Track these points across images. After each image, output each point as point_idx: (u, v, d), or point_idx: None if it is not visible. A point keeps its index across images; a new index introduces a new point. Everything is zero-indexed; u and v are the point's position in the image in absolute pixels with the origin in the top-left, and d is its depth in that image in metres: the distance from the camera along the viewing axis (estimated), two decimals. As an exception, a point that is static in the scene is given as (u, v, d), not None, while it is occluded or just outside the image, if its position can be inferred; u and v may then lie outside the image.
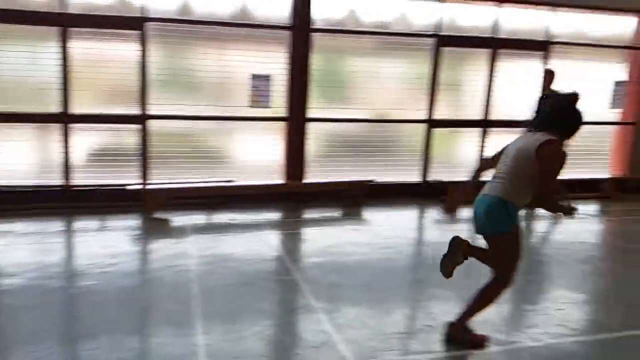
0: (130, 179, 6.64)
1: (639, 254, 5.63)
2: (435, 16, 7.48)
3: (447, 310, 3.85)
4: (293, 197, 7.11)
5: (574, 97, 3.15)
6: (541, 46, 7.93)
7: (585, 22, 8.17)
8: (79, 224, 5.89)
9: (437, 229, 6.56)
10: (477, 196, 3.28)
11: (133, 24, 6.41)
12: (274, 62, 6.99)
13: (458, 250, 3.32)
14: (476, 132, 8.04)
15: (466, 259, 3.37)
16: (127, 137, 6.66)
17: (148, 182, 6.69)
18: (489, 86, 7.87)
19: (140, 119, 6.64)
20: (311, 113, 7.22)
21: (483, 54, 7.78)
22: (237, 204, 6.69)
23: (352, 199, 7.10)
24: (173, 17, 6.57)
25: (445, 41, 7.54)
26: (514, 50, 7.85)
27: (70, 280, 4.32)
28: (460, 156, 8.21)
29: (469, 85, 7.94)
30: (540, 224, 6.78)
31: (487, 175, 3.37)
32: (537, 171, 3.00)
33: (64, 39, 6.23)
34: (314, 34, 7.03)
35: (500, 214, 3.11)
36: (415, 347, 3.31)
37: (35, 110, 6.30)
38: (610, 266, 5.28)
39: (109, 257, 4.72)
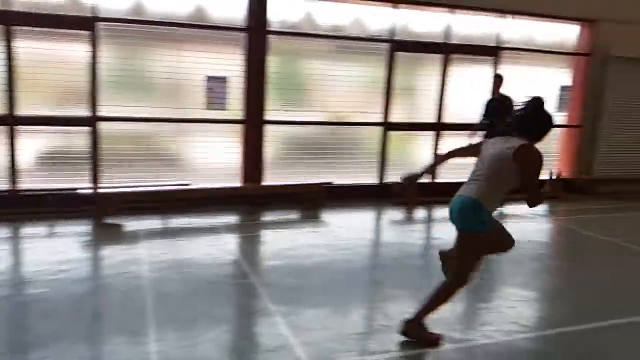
0: (81, 183, 6.42)
1: (585, 252, 5.88)
2: (389, 21, 7.60)
3: (403, 310, 3.89)
4: (251, 200, 7.06)
5: (542, 101, 3.31)
6: (491, 52, 8.19)
7: (532, 30, 8.50)
8: (28, 230, 5.65)
9: (394, 229, 6.66)
10: (454, 197, 3.41)
11: (83, 23, 6.22)
12: (230, 64, 6.94)
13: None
14: (430, 135, 8.21)
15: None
16: (78, 139, 6.45)
17: (99, 186, 6.49)
18: (442, 90, 8.06)
19: (91, 121, 6.43)
20: (269, 115, 7.19)
21: (436, 59, 7.97)
22: (193, 207, 6.58)
23: (311, 201, 7.11)
24: (125, 17, 6.41)
25: (399, 46, 7.68)
26: (465, 56, 8.07)
27: (18, 288, 4.13)
28: (415, 158, 8.36)
29: (423, 89, 8.11)
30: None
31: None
32: (513, 174, 3.16)
33: (8, 38, 5.97)
34: (270, 36, 7.02)
35: (472, 214, 3.22)
36: (373, 347, 3.33)
37: (-23, 111, 6.04)
38: (558, 264, 5.48)
39: (59, 263, 4.54)
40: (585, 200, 8.40)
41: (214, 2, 6.73)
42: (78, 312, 3.68)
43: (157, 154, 6.90)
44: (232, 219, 6.51)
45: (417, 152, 8.35)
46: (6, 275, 4.35)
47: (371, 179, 7.98)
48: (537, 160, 3.16)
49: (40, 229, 5.63)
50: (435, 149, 8.22)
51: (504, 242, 3.56)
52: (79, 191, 6.21)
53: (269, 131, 7.26)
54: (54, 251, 4.89)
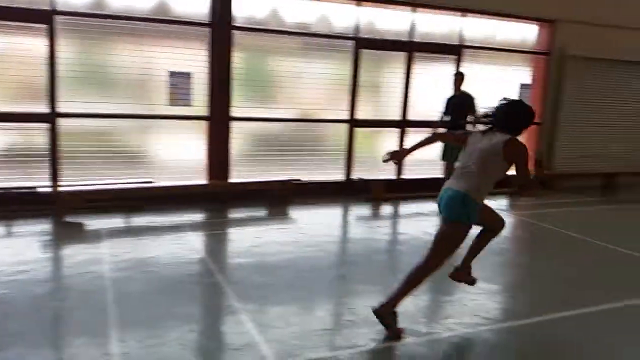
0: (40, 181, 6.24)
1: (543, 245, 6.07)
2: (354, 19, 7.64)
3: (369, 304, 3.93)
4: (217, 198, 7.00)
5: (521, 100, 3.60)
6: (454, 50, 8.34)
7: (494, 29, 8.70)
8: (-19, 230, 5.47)
9: (361, 226, 6.71)
10: (442, 189, 3.57)
11: (41, 16, 6.02)
12: (194, 60, 6.85)
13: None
14: (395, 131, 8.31)
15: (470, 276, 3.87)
16: (36, 136, 6.26)
17: (59, 184, 6.32)
18: (406, 88, 8.16)
19: (50, 118, 6.25)
20: (235, 112, 7.14)
21: (400, 56, 8.06)
22: (157, 205, 6.48)
23: (278, 198, 7.10)
24: (85, 10, 6.24)
25: (364, 43, 7.73)
26: (429, 54, 8.19)
27: (-28, 291, 3.99)
28: (382, 154, 8.43)
29: (388, 86, 8.19)
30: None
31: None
32: (500, 167, 3.40)
33: (-41, 31, 5.74)
34: (235, 31, 6.95)
35: (461, 207, 3.39)
36: (339, 342, 3.35)
37: None
38: (518, 257, 5.64)
39: (18, 264, 4.41)
40: (546, 194, 8.64)
41: (177, -4, 6.64)
42: (38, 314, 3.58)
43: (119, 151, 6.76)
44: (197, 216, 6.44)
45: (383, 148, 8.41)
46: (-40, 278, 4.19)
47: (338, 175, 8.02)
48: (525, 151, 3.43)
49: (-4, 229, 5.45)
50: (401, 145, 8.32)
51: (496, 223, 3.76)
52: (38, 189, 6.03)
53: (235, 128, 7.20)
54: (12, 252, 4.75)
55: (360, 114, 7.97)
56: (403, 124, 8.29)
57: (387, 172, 8.32)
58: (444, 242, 3.48)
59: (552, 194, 8.65)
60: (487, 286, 4.49)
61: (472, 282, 3.97)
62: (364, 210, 7.25)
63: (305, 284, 4.32)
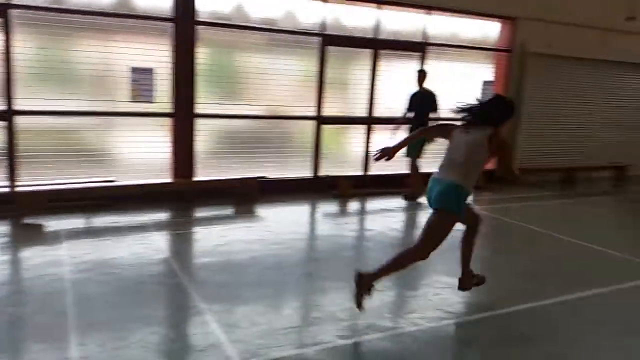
0: (-5, 182, 6.03)
1: (505, 238, 6.21)
2: (320, 15, 7.63)
3: (335, 301, 3.97)
4: (182, 196, 6.89)
5: (502, 97, 3.89)
6: (418, 47, 8.43)
7: (457, 26, 8.83)
8: None
9: (328, 222, 6.72)
10: (430, 180, 3.76)
11: (-7, 10, 5.81)
12: (157, 55, 6.72)
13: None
14: (362, 128, 8.35)
15: (475, 277, 4.04)
16: (-9, 135, 6.04)
17: (17, 184, 6.11)
18: (373, 84, 8.21)
19: (6, 115, 6.04)
20: (199, 109, 7.04)
21: (366, 53, 8.10)
22: (120, 205, 6.34)
23: (244, 196, 7.05)
24: (43, 4, 6.04)
25: (330, 40, 7.74)
26: (394, 51, 8.26)
27: None
28: (348, 151, 8.49)
29: (355, 83, 8.22)
30: (417, 214, 7.22)
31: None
32: (485, 159, 3.66)
33: None
34: (198, 27, 6.85)
35: (454, 197, 3.59)
36: (304, 340, 3.36)
37: None
38: (480, 251, 5.70)
39: (-31, 269, 4.25)
40: (508, 189, 8.84)
41: (138, -9, 6.49)
42: (-8, 320, 3.46)
43: (80, 150, 6.58)
44: (161, 216, 6.33)
45: (350, 145, 8.47)
46: None
47: (305, 172, 8.02)
48: (508, 142, 3.72)
49: (-52, 232, 5.24)
50: (367, 142, 8.38)
51: (476, 219, 3.98)
52: (-7, 190, 5.83)
53: (200, 125, 7.11)
54: (-36, 255, 4.57)
55: (327, 111, 7.98)
56: (370, 121, 8.34)
57: (354, 168, 8.39)
58: (434, 231, 3.64)
59: (514, 189, 8.86)
60: (451, 280, 4.55)
61: (481, 281, 4.18)
62: (331, 207, 7.26)
63: (271, 282, 4.30)
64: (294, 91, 7.77)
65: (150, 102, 6.77)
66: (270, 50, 7.46)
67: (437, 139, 4.00)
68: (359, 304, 3.63)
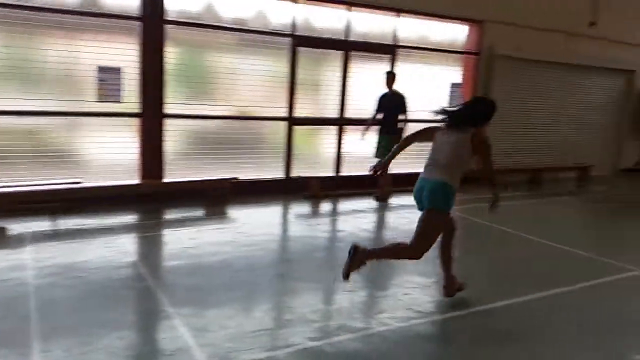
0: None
1: (474, 238, 6.31)
2: (290, 16, 7.62)
3: (306, 302, 3.96)
4: (151, 198, 6.78)
5: (483, 97, 4.09)
6: (388, 49, 8.50)
7: (426, 29, 8.95)
8: None
9: (300, 223, 6.71)
10: (418, 180, 3.89)
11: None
12: (125, 55, 6.60)
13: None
14: (334, 129, 8.38)
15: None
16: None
17: (-23, 186, 5.91)
18: (344, 86, 8.25)
19: (-35, 115, 5.83)
20: (168, 109, 6.94)
21: (337, 55, 8.12)
22: (87, 207, 6.20)
23: (215, 197, 6.98)
24: (6, 1, 5.85)
25: (301, 41, 7.73)
26: (364, 53, 8.31)
27: None
28: (320, 152, 8.50)
29: (326, 84, 8.24)
30: (387, 214, 7.28)
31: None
32: (469, 158, 3.80)
33: None
34: (167, 26, 6.76)
35: (441, 195, 3.73)
36: (274, 343, 3.34)
37: None
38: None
39: None
40: (478, 190, 8.96)
41: (105, -12, 6.36)
42: (-50, 328, 3.33)
43: (46, 151, 6.41)
44: (129, 218, 6.21)
45: (322, 146, 8.49)
46: None
47: (277, 173, 7.99)
48: (489, 142, 3.83)
49: None
50: (339, 143, 8.40)
51: (452, 224, 4.13)
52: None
53: (170, 125, 7.01)
54: None
55: (299, 112, 7.97)
56: (341, 122, 8.37)
57: (326, 169, 8.40)
58: (427, 231, 3.78)
59: (482, 190, 9.00)
60: (421, 280, 4.62)
61: (462, 286, 4.23)
62: (302, 207, 7.26)
63: (242, 284, 4.27)
64: (265, 92, 7.74)
65: (118, 102, 6.64)
66: (241, 50, 7.42)
67: (423, 142, 4.09)
68: (346, 275, 3.73)
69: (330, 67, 8.17)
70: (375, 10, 8.25)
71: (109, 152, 6.70)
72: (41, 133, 6.43)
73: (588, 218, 8.18)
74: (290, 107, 7.87)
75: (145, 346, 3.29)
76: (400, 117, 7.57)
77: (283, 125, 7.91)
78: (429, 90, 9.08)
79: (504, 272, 5.02)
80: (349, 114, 8.36)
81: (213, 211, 6.69)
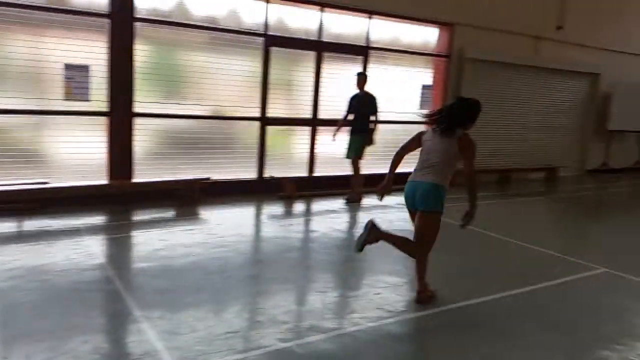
0: None
1: (446, 238, 6.34)
2: (263, 16, 7.58)
3: (278, 304, 3.94)
4: (120, 199, 6.65)
5: (466, 99, 4.03)
6: (361, 51, 8.54)
7: (398, 31, 9.02)
8: None
9: (272, 224, 6.68)
10: (409, 182, 4.03)
11: None
12: (93, 52, 6.46)
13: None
14: (307, 130, 8.37)
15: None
16: None
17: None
18: (317, 86, 8.25)
19: None
20: (138, 108, 6.83)
21: (310, 55, 8.12)
22: (53, 208, 6.05)
23: (186, 198, 6.89)
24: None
25: (273, 41, 7.70)
26: (337, 54, 8.33)
27: None
28: (293, 152, 8.48)
29: (299, 85, 8.23)
30: (361, 215, 7.31)
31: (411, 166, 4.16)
32: (456, 160, 3.91)
33: None
34: (137, 23, 6.64)
35: (434, 197, 3.89)
36: (244, 345, 3.31)
37: None
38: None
39: None
40: (450, 190, 9.10)
41: (73, -16, 6.22)
42: None
43: (11, 150, 6.23)
44: (97, 219, 6.08)
45: (296, 146, 8.47)
46: None
47: (250, 173, 7.94)
48: (474, 143, 3.93)
49: None
50: (313, 143, 8.40)
51: None
52: None
53: (140, 124, 6.89)
54: None
55: (272, 112, 7.93)
56: (314, 122, 8.36)
57: (299, 169, 8.39)
58: (426, 234, 3.96)
59: (456, 190, 9.12)
60: (392, 279, 4.65)
61: (434, 294, 4.23)
62: (276, 208, 7.23)
63: (212, 286, 4.22)
64: (238, 91, 7.68)
65: (86, 100, 6.50)
66: (213, 49, 7.35)
67: (414, 151, 4.22)
68: (361, 248, 3.91)
69: (303, 67, 8.16)
70: (347, 12, 8.28)
71: (77, 152, 6.56)
72: (6, 132, 6.24)
73: (555, 218, 8.37)
74: (263, 107, 7.83)
75: (112, 350, 3.22)
76: (371, 117, 7.60)
77: (256, 125, 7.87)
78: (401, 91, 9.16)
79: (473, 272, 5.10)
80: (323, 114, 8.36)
81: (184, 212, 6.61)
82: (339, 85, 8.29)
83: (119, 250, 5.27)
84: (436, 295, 4.21)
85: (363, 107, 7.56)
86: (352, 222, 7.01)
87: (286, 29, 7.86)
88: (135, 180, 6.86)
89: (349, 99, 7.68)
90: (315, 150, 8.45)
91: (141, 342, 3.23)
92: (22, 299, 3.75)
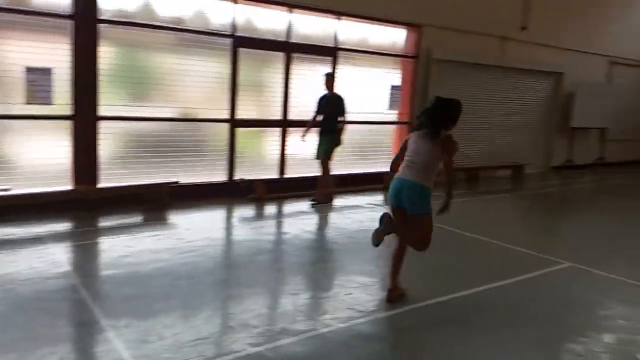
0: None
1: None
2: (230, 16, 7.53)
3: (248, 308, 3.91)
4: (85, 204, 6.49)
5: (446, 99, 4.10)
6: (330, 52, 8.56)
7: (367, 32, 9.08)
8: None
9: (243, 227, 6.63)
10: (395, 179, 4.08)
11: None
12: (56, 55, 6.30)
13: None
14: (277, 131, 8.34)
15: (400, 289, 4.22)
16: None
17: None
18: (286, 87, 8.23)
19: None
20: (103, 111, 6.68)
21: (279, 56, 8.09)
22: (16, 215, 5.87)
23: (154, 202, 6.78)
24: None
25: (242, 42, 7.65)
26: (306, 55, 8.33)
27: None
28: (264, 154, 8.44)
29: (269, 86, 8.20)
30: (332, 216, 7.33)
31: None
32: (440, 158, 3.97)
33: None
34: (101, 25, 6.51)
35: (420, 197, 3.98)
36: (213, 351, 3.27)
37: None
38: (390, 251, 5.92)
39: None
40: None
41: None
42: None
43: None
44: (61, 226, 5.93)
45: (266, 148, 8.43)
46: None
47: (220, 176, 7.86)
48: (456, 144, 4.01)
49: None
50: (283, 145, 8.37)
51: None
52: None
53: (105, 128, 6.75)
54: None
55: (242, 114, 7.88)
56: (284, 124, 8.34)
57: (270, 171, 8.35)
58: (425, 232, 4.08)
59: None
60: (363, 279, 4.68)
61: (404, 294, 4.28)
62: (246, 210, 7.19)
63: (181, 292, 4.16)
64: (206, 93, 7.60)
65: (49, 104, 6.33)
66: (180, 50, 7.25)
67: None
68: (378, 243, 3.99)
69: (272, 68, 8.13)
70: (316, 13, 8.29)
71: (40, 157, 6.38)
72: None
73: (522, 214, 8.55)
74: (233, 108, 7.77)
75: (77, 361, 3.15)
76: (339, 118, 7.60)
77: (225, 127, 7.80)
78: (370, 92, 9.22)
79: (442, 270, 5.17)
80: (293, 115, 8.34)
81: (152, 217, 6.50)
82: (308, 86, 8.28)
83: (85, 258, 5.14)
84: (406, 294, 4.25)
85: (331, 108, 7.56)
86: (324, 223, 7.02)
87: (254, 29, 7.81)
88: (101, 185, 6.71)
89: (317, 100, 7.68)
90: (286, 152, 8.43)
91: (108, 352, 3.17)
92: (-17, 310, 3.63)
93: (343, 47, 8.71)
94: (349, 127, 7.92)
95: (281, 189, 8.06)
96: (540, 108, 12.32)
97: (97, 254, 5.29)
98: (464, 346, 3.55)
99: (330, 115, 7.56)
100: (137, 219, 6.43)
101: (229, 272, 4.86)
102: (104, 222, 6.23)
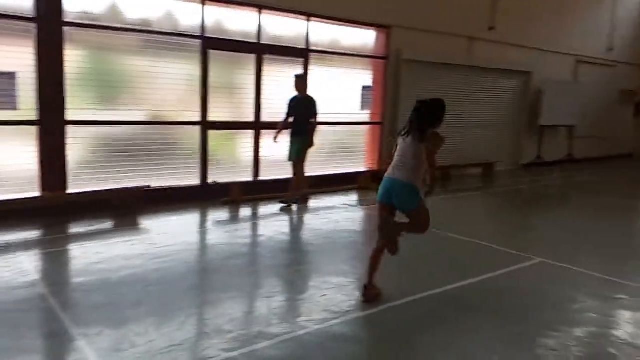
0: None
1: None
2: (199, 18, 7.45)
3: (222, 312, 3.87)
4: (53, 211, 6.34)
5: (434, 100, 4.23)
6: (301, 53, 8.55)
7: (338, 33, 9.11)
8: None
9: (217, 231, 6.57)
10: (385, 179, 4.19)
11: None
12: (19, 58, 6.14)
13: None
14: (250, 133, 8.29)
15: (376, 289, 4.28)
16: None
17: None
18: (258, 89, 8.18)
19: None
20: (71, 115, 6.54)
21: (250, 58, 8.05)
22: (-21, 224, 5.70)
23: (125, 208, 6.66)
24: None
25: (211, 44, 7.58)
26: (277, 56, 8.30)
27: None
28: (237, 156, 8.38)
29: (241, 88, 8.14)
30: (307, 217, 7.33)
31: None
32: (425, 157, 4.08)
33: None
34: (66, 27, 6.36)
35: (409, 195, 4.08)
36: (187, 357, 3.23)
37: None
38: (366, 250, 5.93)
39: None
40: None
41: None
42: None
43: None
44: (29, 234, 5.77)
45: (239, 150, 8.37)
46: None
47: (192, 179, 7.77)
48: (443, 139, 4.17)
49: None
50: (256, 147, 8.32)
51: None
52: None
53: (73, 132, 6.61)
54: None
55: (213, 116, 7.80)
56: (257, 126, 8.30)
57: (244, 173, 8.30)
58: (423, 218, 4.18)
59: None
60: (338, 280, 4.68)
61: (379, 293, 4.31)
62: (220, 214, 7.12)
63: (153, 299, 4.10)
64: (177, 96, 7.51)
65: (13, 109, 6.15)
66: (149, 52, 7.14)
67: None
68: (396, 251, 4.21)
69: (244, 70, 8.08)
70: (286, 14, 8.27)
71: (4, 164, 6.20)
72: None
73: (494, 212, 8.70)
74: (204, 111, 7.69)
75: (46, 373, 3.07)
76: (311, 120, 7.59)
77: (197, 129, 7.71)
78: (342, 93, 9.25)
79: (416, 268, 5.21)
80: (265, 117, 8.31)
81: (123, 222, 6.38)
82: (280, 87, 8.25)
83: (54, 266, 5.01)
84: (381, 293, 4.27)
85: (302, 109, 7.54)
86: (299, 225, 7.01)
87: (224, 31, 7.75)
88: (69, 191, 6.56)
89: (288, 101, 7.64)
90: (260, 153, 8.39)
91: (78, 362, 3.10)
92: (-55, 324, 3.51)
93: (314, 48, 8.71)
94: (321, 128, 7.92)
95: (255, 191, 8.01)
96: (510, 107, 12.56)
97: (66, 262, 5.16)
98: (440, 343, 3.59)
99: (302, 117, 7.54)
100: (108, 224, 6.31)
101: (202, 277, 4.81)
102: (74, 229, 6.09)
